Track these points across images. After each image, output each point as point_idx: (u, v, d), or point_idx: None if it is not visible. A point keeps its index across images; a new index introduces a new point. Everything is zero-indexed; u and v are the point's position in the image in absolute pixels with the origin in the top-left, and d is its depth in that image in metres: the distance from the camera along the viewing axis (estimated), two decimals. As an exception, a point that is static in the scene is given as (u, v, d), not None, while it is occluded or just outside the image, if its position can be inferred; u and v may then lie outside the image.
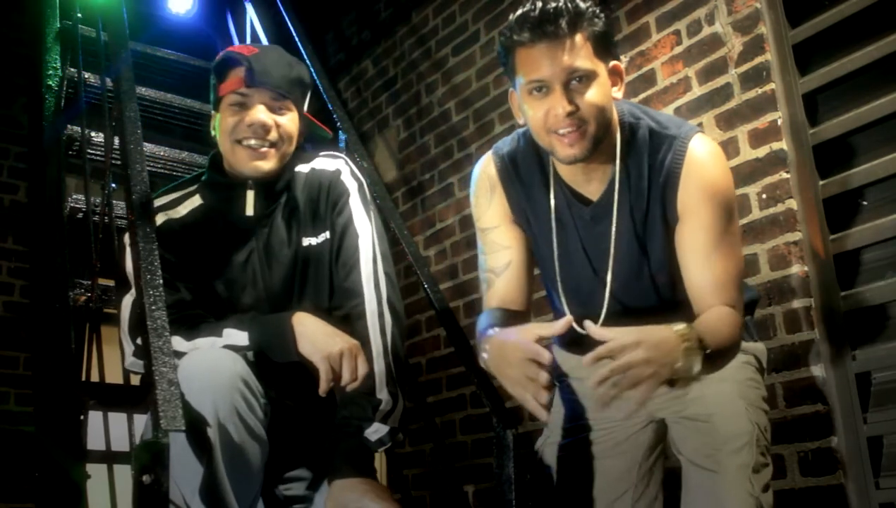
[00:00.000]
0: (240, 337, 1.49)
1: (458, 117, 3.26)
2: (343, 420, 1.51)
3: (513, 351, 1.30)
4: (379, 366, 1.54)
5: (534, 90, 1.39)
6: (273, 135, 1.61)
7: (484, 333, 1.43)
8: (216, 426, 1.33)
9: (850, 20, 2.04)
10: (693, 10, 2.37)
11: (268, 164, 1.62)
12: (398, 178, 3.54)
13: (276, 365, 1.54)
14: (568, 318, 1.34)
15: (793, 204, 2.07)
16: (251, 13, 3.24)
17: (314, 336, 1.47)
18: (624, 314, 1.49)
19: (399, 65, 3.64)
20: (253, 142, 1.59)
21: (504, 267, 1.57)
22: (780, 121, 2.12)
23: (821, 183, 2.06)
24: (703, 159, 1.42)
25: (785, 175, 2.09)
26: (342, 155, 1.76)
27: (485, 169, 1.61)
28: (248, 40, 3.22)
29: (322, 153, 1.75)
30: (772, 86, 2.14)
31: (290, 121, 1.64)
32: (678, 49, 2.41)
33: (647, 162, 1.45)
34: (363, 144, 2.61)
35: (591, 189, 1.49)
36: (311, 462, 1.65)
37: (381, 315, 1.59)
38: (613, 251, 1.47)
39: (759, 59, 2.17)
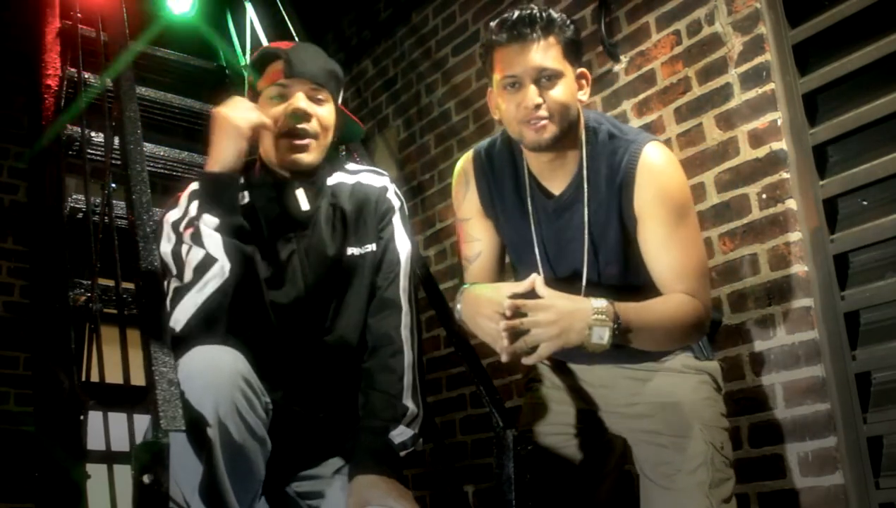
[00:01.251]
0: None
1: (458, 117, 3.26)
2: (369, 419, 1.57)
3: (487, 305, 1.50)
4: (408, 377, 1.62)
5: (507, 85, 1.56)
6: (314, 125, 1.64)
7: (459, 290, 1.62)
8: (216, 424, 1.33)
9: (850, 20, 2.04)
10: (693, 10, 2.37)
11: (309, 157, 1.65)
12: (398, 178, 3.54)
13: (282, 369, 1.56)
14: (533, 276, 1.50)
15: (793, 204, 2.07)
16: (251, 13, 3.24)
17: (227, 120, 1.55)
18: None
19: (399, 65, 3.64)
20: (297, 129, 1.63)
21: (475, 256, 1.77)
22: (779, 122, 2.12)
23: (821, 183, 2.06)
24: (655, 164, 1.57)
25: (785, 175, 2.09)
26: (385, 173, 1.83)
27: (463, 164, 1.80)
28: (248, 40, 3.22)
29: (366, 168, 1.82)
30: (772, 86, 2.14)
31: (328, 112, 1.68)
32: (678, 49, 2.41)
33: (605, 163, 1.59)
34: (363, 144, 2.61)
35: (555, 184, 1.65)
36: (321, 462, 1.66)
37: (412, 328, 1.68)
38: (587, 240, 1.61)
39: (758, 59, 2.18)
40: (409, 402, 1.60)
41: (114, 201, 2.01)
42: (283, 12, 3.01)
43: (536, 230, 1.67)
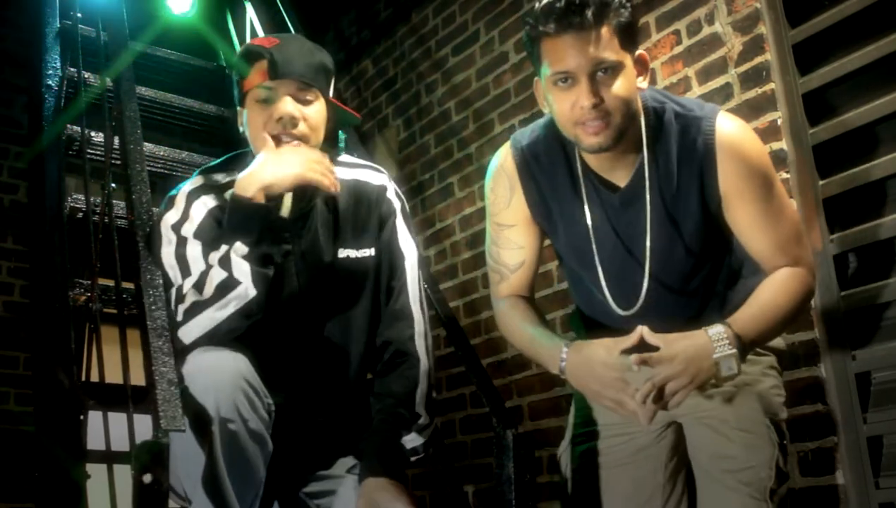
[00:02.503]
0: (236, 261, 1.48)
1: (458, 117, 3.26)
2: (382, 423, 1.56)
3: (602, 369, 1.39)
4: (423, 386, 1.60)
5: (559, 81, 1.39)
6: (302, 128, 1.58)
7: (548, 341, 1.50)
8: (217, 423, 1.33)
9: (850, 20, 2.03)
10: (693, 10, 2.37)
11: None
12: (398, 178, 3.54)
13: (289, 373, 1.56)
14: (640, 329, 1.39)
15: (793, 203, 2.07)
16: (251, 13, 3.24)
17: (263, 168, 1.49)
18: (662, 295, 1.52)
19: (399, 64, 3.64)
20: (284, 137, 1.57)
21: (518, 265, 1.62)
22: (779, 121, 2.12)
23: (821, 183, 2.06)
24: (734, 138, 1.45)
25: (785, 175, 2.09)
26: (384, 170, 1.76)
27: (503, 163, 1.61)
28: (248, 40, 3.21)
29: (364, 163, 1.76)
30: (772, 86, 2.14)
31: (317, 112, 1.61)
32: (678, 49, 2.41)
33: (676, 145, 1.46)
34: (363, 144, 2.61)
35: (618, 175, 1.51)
36: (328, 463, 1.65)
37: (426, 335, 1.65)
38: (650, 233, 1.49)
39: (758, 59, 2.17)
40: (421, 410, 1.60)
41: (114, 201, 2.01)
42: (283, 12, 3.01)
43: (604, 230, 1.53)
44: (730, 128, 1.45)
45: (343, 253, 1.64)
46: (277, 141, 1.57)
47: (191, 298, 1.47)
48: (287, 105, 1.56)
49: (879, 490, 1.85)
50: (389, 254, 1.67)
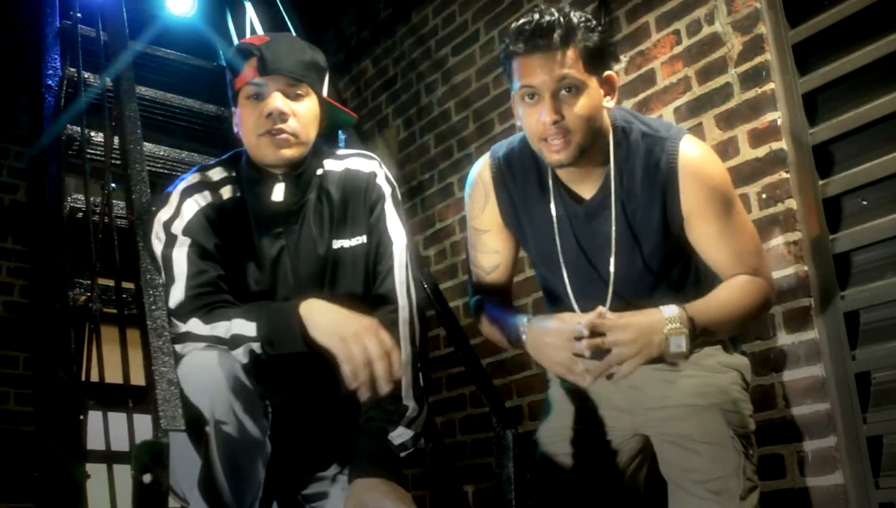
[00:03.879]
0: (248, 327, 1.44)
1: (458, 117, 3.26)
2: (368, 421, 1.52)
3: (554, 334, 1.47)
4: (407, 374, 1.55)
5: (526, 96, 1.49)
6: (292, 124, 1.56)
7: (513, 320, 1.59)
8: (213, 425, 1.33)
9: (850, 20, 2.03)
10: (693, 9, 2.37)
11: (291, 151, 1.57)
12: (398, 178, 3.52)
13: (286, 373, 1.53)
14: (599, 308, 1.45)
15: (793, 204, 2.07)
16: (251, 13, 3.24)
17: (325, 321, 1.41)
18: (626, 304, 1.55)
19: (399, 64, 3.64)
20: (273, 130, 1.56)
21: (493, 268, 1.73)
22: (779, 121, 2.12)
23: (821, 183, 2.06)
24: (696, 160, 1.53)
25: (785, 175, 2.09)
26: (375, 155, 1.74)
27: (480, 172, 1.71)
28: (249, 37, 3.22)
29: (354, 152, 1.74)
30: (771, 86, 2.14)
31: (307, 108, 1.59)
32: (678, 49, 2.41)
33: (641, 163, 1.54)
34: (363, 144, 2.61)
35: (585, 187, 1.59)
36: (327, 465, 1.65)
37: (412, 322, 1.60)
38: (614, 245, 1.56)
39: (758, 59, 2.17)
40: (408, 401, 1.54)
41: (114, 201, 2.01)
42: (283, 12, 3.01)
43: (567, 236, 1.61)
44: (692, 151, 1.53)
45: (337, 243, 1.63)
46: (269, 137, 1.56)
47: (184, 326, 1.46)
48: (276, 101, 1.56)
49: (879, 490, 1.85)
50: (378, 239, 1.65)
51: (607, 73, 1.52)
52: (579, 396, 1.71)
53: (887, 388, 1.90)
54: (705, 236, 1.54)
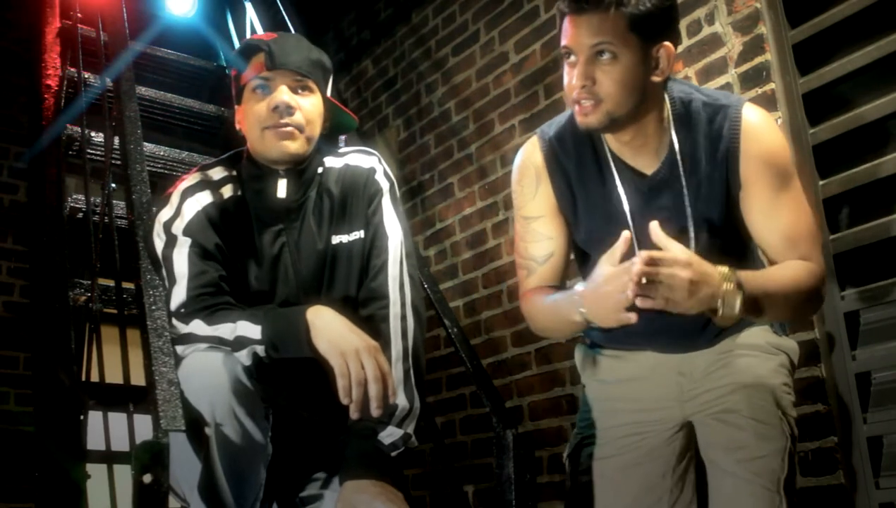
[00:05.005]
0: (252, 330, 1.43)
1: (458, 117, 3.26)
2: (357, 422, 1.48)
3: (611, 279, 1.33)
4: (397, 370, 1.53)
5: (565, 56, 1.44)
6: (297, 117, 1.57)
7: (559, 294, 1.50)
8: (213, 426, 1.33)
9: (850, 20, 2.03)
10: (693, 10, 2.37)
11: (295, 145, 1.57)
12: (398, 178, 3.52)
13: (288, 374, 1.52)
14: (627, 235, 1.36)
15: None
16: (251, 13, 3.24)
17: (330, 331, 1.41)
18: None
19: (399, 65, 3.64)
20: (278, 124, 1.56)
21: (546, 256, 1.60)
22: (779, 121, 2.12)
23: (821, 183, 2.06)
24: (758, 126, 1.46)
25: (785, 175, 2.08)
26: (375, 151, 1.74)
27: (530, 155, 1.62)
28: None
29: (354, 148, 1.74)
30: (772, 86, 2.14)
31: (312, 104, 1.60)
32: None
33: (703, 133, 1.48)
34: (363, 144, 2.61)
35: (643, 162, 1.52)
36: (325, 467, 1.64)
37: (403, 317, 1.59)
38: (691, 218, 1.49)
39: (758, 59, 2.17)
40: (399, 398, 1.51)
41: (114, 201, 2.01)
42: (283, 12, 3.01)
43: (629, 213, 1.51)
44: (755, 117, 1.47)
45: (336, 239, 1.63)
46: (274, 130, 1.56)
47: (185, 328, 1.46)
48: (283, 94, 1.56)
49: (879, 490, 1.85)
50: (373, 233, 1.64)
51: (665, 42, 1.42)
52: (621, 390, 1.62)
53: (887, 388, 1.89)
54: (758, 205, 1.46)
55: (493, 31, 3.12)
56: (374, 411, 1.37)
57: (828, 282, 1.97)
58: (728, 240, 1.52)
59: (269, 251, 1.60)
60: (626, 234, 1.36)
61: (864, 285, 1.97)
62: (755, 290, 1.35)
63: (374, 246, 1.64)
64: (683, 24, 2.39)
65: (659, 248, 1.31)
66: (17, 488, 3.08)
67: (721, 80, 2.26)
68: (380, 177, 1.68)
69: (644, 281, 1.27)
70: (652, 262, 1.28)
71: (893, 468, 1.84)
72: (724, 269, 1.33)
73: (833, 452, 1.91)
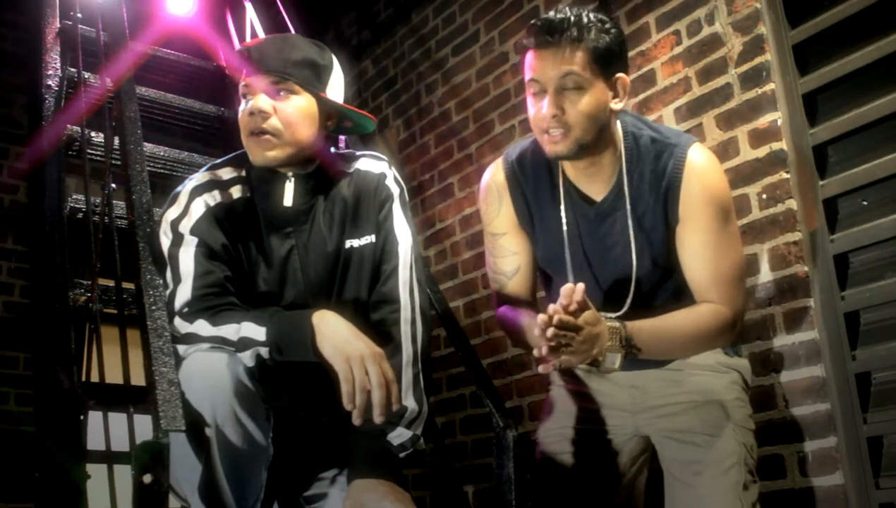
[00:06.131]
0: (257, 331, 1.43)
1: (458, 117, 3.26)
2: (366, 422, 1.47)
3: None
4: (408, 374, 1.55)
5: (531, 90, 1.53)
6: (272, 123, 1.53)
7: (527, 318, 1.61)
8: (214, 427, 1.32)
9: (850, 20, 2.04)
10: (693, 10, 2.37)
11: (273, 152, 1.55)
12: (398, 178, 3.55)
13: (290, 375, 1.52)
14: (570, 286, 1.44)
15: (793, 204, 2.07)
16: (251, 13, 3.24)
17: (335, 336, 1.41)
18: (643, 305, 1.59)
19: (399, 65, 3.64)
20: (255, 130, 1.54)
21: (514, 271, 1.72)
22: (779, 122, 2.12)
23: (821, 183, 2.06)
24: (701, 167, 1.55)
25: (785, 175, 2.09)
26: (385, 157, 1.74)
27: (494, 176, 1.73)
28: (248, 40, 3.22)
29: (364, 153, 1.73)
30: (771, 86, 2.14)
31: (294, 107, 1.55)
32: (678, 49, 2.41)
33: (649, 167, 1.57)
34: (363, 144, 2.61)
35: (595, 190, 1.62)
36: (328, 466, 1.64)
37: (413, 322, 1.60)
38: (634, 245, 1.58)
39: (758, 59, 2.18)
40: (408, 401, 1.53)
41: (114, 201, 2.01)
42: (283, 12, 3.01)
43: (575, 238, 1.63)
44: (699, 159, 1.55)
45: (347, 243, 1.62)
46: (254, 137, 1.55)
47: (188, 326, 1.46)
48: (259, 100, 1.54)
49: (879, 490, 1.85)
50: (384, 238, 1.64)
51: (618, 75, 1.54)
52: (581, 397, 1.72)
53: (887, 388, 1.90)
54: (690, 243, 1.55)
55: (493, 32, 3.12)
56: (377, 418, 1.37)
57: (826, 279, 1.99)
58: (668, 268, 1.61)
59: (278, 252, 1.59)
60: (568, 287, 1.44)
61: (864, 285, 1.97)
62: (646, 341, 1.49)
63: (384, 250, 1.64)
64: (683, 25, 2.40)
65: (568, 304, 1.41)
66: (17, 488, 3.08)
67: (721, 80, 2.26)
68: (390, 183, 1.68)
69: (549, 337, 1.39)
70: (564, 325, 1.39)
71: (893, 468, 1.84)
72: (613, 325, 1.47)
73: (833, 452, 1.91)
